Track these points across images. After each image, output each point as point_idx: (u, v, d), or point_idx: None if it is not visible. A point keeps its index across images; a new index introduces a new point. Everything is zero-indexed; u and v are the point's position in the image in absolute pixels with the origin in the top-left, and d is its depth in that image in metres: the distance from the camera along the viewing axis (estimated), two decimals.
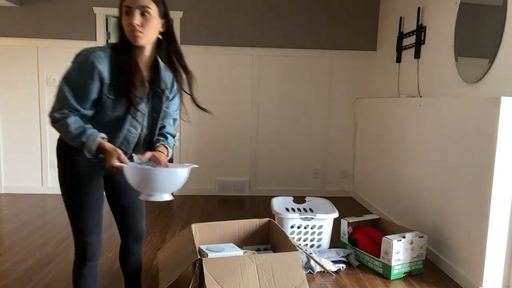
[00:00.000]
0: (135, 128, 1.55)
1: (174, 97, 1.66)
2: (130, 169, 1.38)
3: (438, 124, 2.74)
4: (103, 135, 1.43)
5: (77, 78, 1.39)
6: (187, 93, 1.58)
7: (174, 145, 1.69)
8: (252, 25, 4.37)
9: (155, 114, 1.60)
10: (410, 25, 3.66)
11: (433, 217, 2.77)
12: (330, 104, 4.51)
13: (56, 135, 1.49)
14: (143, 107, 1.54)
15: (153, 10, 1.40)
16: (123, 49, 1.44)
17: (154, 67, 1.54)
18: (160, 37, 1.49)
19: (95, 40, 4.21)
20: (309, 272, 2.53)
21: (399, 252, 2.47)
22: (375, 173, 3.91)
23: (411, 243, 2.51)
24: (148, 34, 1.42)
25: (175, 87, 1.62)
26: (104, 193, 1.68)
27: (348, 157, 4.58)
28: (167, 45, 1.52)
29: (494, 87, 2.47)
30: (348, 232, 2.83)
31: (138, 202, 1.73)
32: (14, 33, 4.18)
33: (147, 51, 1.49)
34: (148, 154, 1.50)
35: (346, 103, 4.52)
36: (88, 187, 1.55)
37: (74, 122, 1.40)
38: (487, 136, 2.21)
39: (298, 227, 2.53)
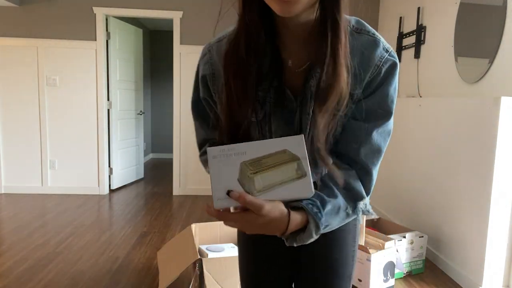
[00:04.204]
0: None
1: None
2: None
3: (438, 124, 2.74)
4: None
5: None
6: None
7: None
8: None
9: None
10: (410, 25, 3.66)
11: (433, 217, 2.76)
12: None
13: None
14: None
15: None
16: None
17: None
18: None
19: (95, 40, 4.21)
20: None
21: (399, 252, 2.47)
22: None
23: (411, 243, 2.51)
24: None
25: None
26: None
27: None
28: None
29: (494, 87, 2.47)
30: None
31: None
32: (14, 33, 4.18)
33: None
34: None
35: None
36: None
37: None
38: (487, 136, 2.21)
39: None
